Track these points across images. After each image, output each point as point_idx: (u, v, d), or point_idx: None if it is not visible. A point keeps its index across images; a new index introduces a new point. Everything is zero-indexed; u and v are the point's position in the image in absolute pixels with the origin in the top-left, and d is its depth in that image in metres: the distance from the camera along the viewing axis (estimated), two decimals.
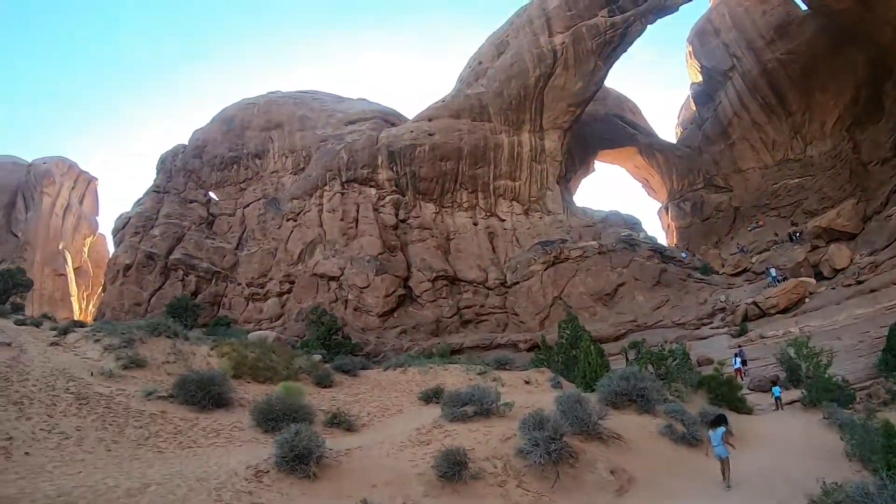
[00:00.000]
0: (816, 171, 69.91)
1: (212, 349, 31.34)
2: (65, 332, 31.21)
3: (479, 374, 34.60)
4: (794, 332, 41.67)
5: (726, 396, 30.65)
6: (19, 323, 34.64)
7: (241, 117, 78.07)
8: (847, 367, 34.69)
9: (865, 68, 66.10)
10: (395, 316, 59.73)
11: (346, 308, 59.94)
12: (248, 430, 20.11)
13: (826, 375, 30.88)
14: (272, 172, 74.40)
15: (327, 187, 66.15)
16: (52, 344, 28.37)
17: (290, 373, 30.32)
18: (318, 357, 38.03)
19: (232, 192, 74.88)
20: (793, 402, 31.12)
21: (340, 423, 22.28)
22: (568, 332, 40.78)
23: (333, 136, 70.33)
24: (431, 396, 27.81)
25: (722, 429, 18.07)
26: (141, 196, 76.16)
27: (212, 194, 75.67)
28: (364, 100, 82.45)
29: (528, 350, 52.45)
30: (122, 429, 18.25)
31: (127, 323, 37.01)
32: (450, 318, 59.94)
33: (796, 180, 71.16)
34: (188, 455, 16.98)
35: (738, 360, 40.47)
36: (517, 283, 61.44)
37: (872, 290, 43.42)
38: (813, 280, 51.48)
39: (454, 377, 33.74)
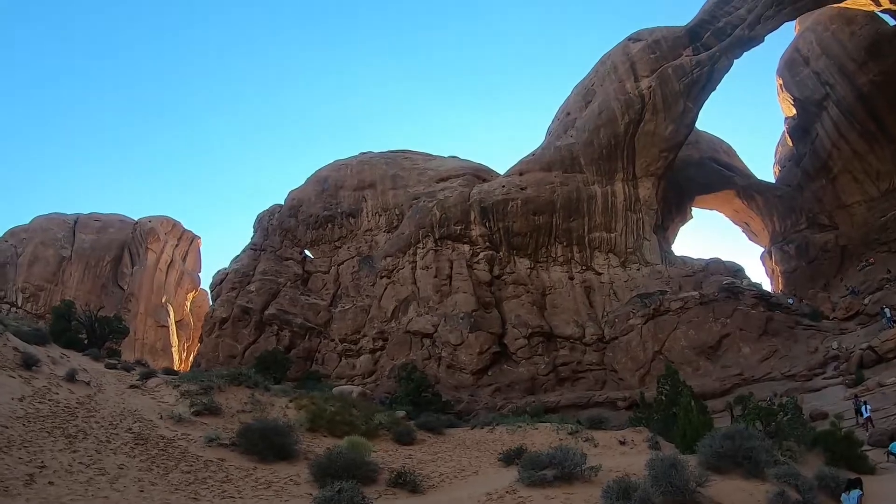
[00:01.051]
0: None
1: (291, 401, 31.52)
2: (147, 376, 31.99)
3: (570, 433, 33.57)
4: None
5: (845, 454, 27.66)
6: (110, 367, 35.65)
7: (334, 177, 79.88)
8: None
9: None
10: (490, 374, 59.04)
11: (439, 365, 59.83)
12: (304, 485, 19.36)
13: None
14: (366, 231, 75.61)
15: (420, 244, 66.61)
16: (131, 387, 29.07)
17: (370, 428, 29.88)
18: (401, 413, 37.66)
19: (326, 250, 76.40)
20: None
21: (405, 483, 20.89)
22: (667, 387, 39.03)
23: (425, 194, 70.91)
24: (513, 457, 26.03)
25: (858, 492, 16.71)
26: (238, 254, 78.78)
27: (307, 252, 77.52)
28: (455, 157, 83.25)
29: (627, 408, 50.85)
30: (167, 472, 18.03)
31: (209, 371, 37.52)
32: (545, 375, 58.91)
33: None
34: None
35: (868, 408, 36.92)
36: (615, 338, 59.84)
37: None
38: None
39: (543, 436, 32.76)
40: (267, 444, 21.75)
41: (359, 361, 65.01)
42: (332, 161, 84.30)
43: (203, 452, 20.61)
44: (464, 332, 59.55)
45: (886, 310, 51.15)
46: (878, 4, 62.33)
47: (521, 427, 35.82)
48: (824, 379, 48.18)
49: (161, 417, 24.16)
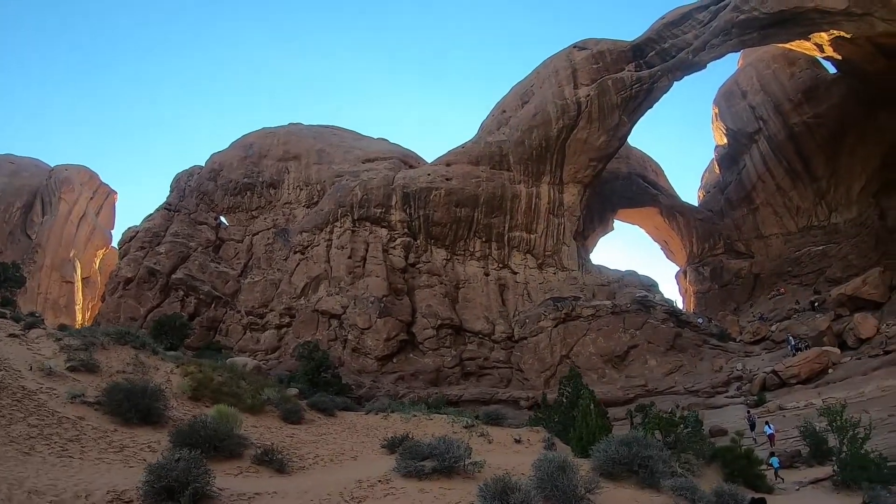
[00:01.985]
0: (841, 239, 68.51)
1: (178, 367, 29.90)
2: (31, 326, 30.08)
3: (465, 427, 32.36)
4: (816, 404, 39.49)
5: (744, 471, 27.50)
6: None
7: (260, 145, 77.65)
8: (878, 443, 31.38)
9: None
10: (395, 361, 58.03)
11: (344, 348, 58.39)
12: (161, 454, 17.47)
13: (863, 450, 27.64)
14: (285, 203, 73.64)
15: (338, 223, 65.02)
16: (11, 335, 27.23)
17: (256, 402, 28.23)
18: (294, 391, 36.35)
19: (243, 218, 74.12)
20: (818, 480, 28.45)
21: (270, 461, 19.22)
22: (569, 389, 38.76)
23: (350, 173, 69.45)
24: (396, 445, 24.44)
25: None
26: (152, 212, 75.41)
27: (222, 219, 75.05)
28: (384, 140, 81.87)
29: (530, 408, 50.73)
30: (11, 423, 16.71)
31: (93, 328, 35.65)
32: (451, 368, 58.08)
33: (820, 247, 69.74)
34: (58, 465, 15.03)
35: (771, 426, 38.01)
36: (525, 338, 59.56)
37: None
38: (837, 350, 49.30)
39: (437, 428, 31.55)
40: (132, 407, 20.22)
41: (263, 336, 63.07)
42: (260, 128, 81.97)
43: (62, 409, 19.19)
44: (373, 316, 58.28)
45: (792, 338, 53.37)
46: (822, 51, 64.19)
47: (416, 416, 34.74)
48: (726, 397, 49.31)
49: (31, 369, 22.45)
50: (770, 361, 51.54)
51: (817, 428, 33.15)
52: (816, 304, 60.32)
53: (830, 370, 46.49)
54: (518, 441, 31.55)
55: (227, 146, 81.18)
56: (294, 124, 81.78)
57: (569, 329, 58.47)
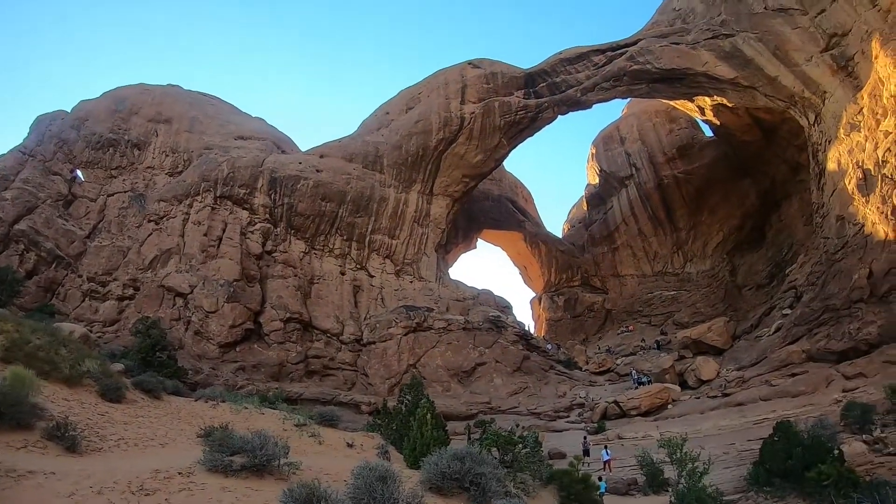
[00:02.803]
0: (692, 288, 73.28)
1: None
2: None
3: (297, 425, 30.89)
4: (654, 436, 41.38)
5: (581, 497, 27.65)
6: None
7: (133, 101, 73.08)
8: (714, 478, 32.86)
9: (756, 199, 70.66)
10: (238, 350, 55.70)
11: (187, 329, 55.64)
12: None
13: (701, 484, 28.48)
14: (148, 167, 69.62)
15: (199, 197, 62.24)
16: None
17: (75, 373, 25.87)
18: (119, 367, 33.97)
19: (101, 175, 69.13)
20: None
21: (62, 437, 17.05)
22: (409, 397, 38.19)
23: (220, 147, 66.90)
24: (210, 436, 22.60)
25: None
26: (5, 152, 69.61)
27: (79, 172, 69.61)
28: (262, 120, 79.30)
29: (371, 414, 49.86)
30: None
31: None
32: (295, 364, 56.48)
33: (672, 293, 74.33)
34: None
35: (608, 452, 39.51)
36: (373, 342, 58.82)
37: (739, 404, 44.23)
38: (678, 388, 52.06)
39: (267, 423, 29.49)
40: None
41: (103, 307, 58.99)
42: (138, 83, 77.21)
43: None
44: (220, 300, 55.94)
45: (636, 372, 56.05)
46: (703, 114, 68.58)
47: (247, 409, 33.01)
48: (567, 422, 50.79)
49: None
50: (613, 392, 53.82)
51: (654, 459, 34.60)
52: (662, 343, 64.41)
53: (670, 406, 48.96)
54: (350, 445, 30.48)
55: (98, 96, 75.66)
56: (173, 86, 77.62)
57: (419, 339, 58.33)
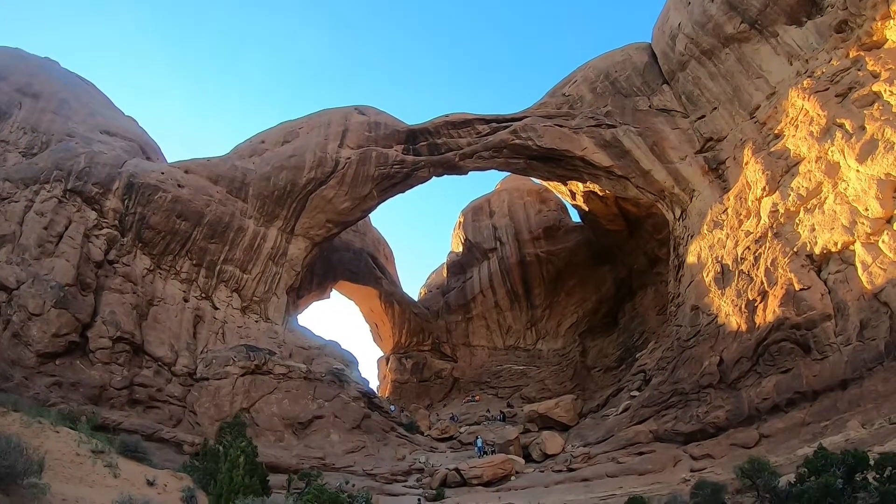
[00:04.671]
0: (542, 364, 74.22)
1: None
2: None
3: (94, 450, 26.08)
4: None
5: None
6: None
7: (6, 66, 64.62)
8: None
9: (612, 286, 73.09)
10: (57, 363, 48.27)
11: (4, 329, 47.84)
12: None
13: None
14: (2, 140, 61.20)
15: (48, 186, 55.04)
16: None
17: None
18: None
19: None
20: None
21: None
22: (228, 438, 34.20)
23: (82, 137, 60.48)
24: None
25: None
26: None
27: None
28: (134, 120, 72.57)
29: (193, 455, 44.77)
30: None
31: None
32: (119, 389, 49.85)
33: (521, 367, 75.01)
34: None
35: None
36: (207, 379, 53.60)
37: (585, 479, 43.53)
38: (522, 460, 51.43)
39: (58, 443, 25.18)
40: None
41: None
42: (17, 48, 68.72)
43: None
44: (48, 302, 48.84)
45: (479, 441, 54.84)
46: (573, 198, 71.03)
47: (41, 423, 27.78)
48: (404, 486, 48.40)
49: None
50: (455, 460, 52.08)
51: None
52: (507, 415, 63.68)
53: (513, 477, 47.61)
54: (151, 483, 25.89)
55: None
56: (51, 61, 69.06)
57: (256, 382, 54.03)
